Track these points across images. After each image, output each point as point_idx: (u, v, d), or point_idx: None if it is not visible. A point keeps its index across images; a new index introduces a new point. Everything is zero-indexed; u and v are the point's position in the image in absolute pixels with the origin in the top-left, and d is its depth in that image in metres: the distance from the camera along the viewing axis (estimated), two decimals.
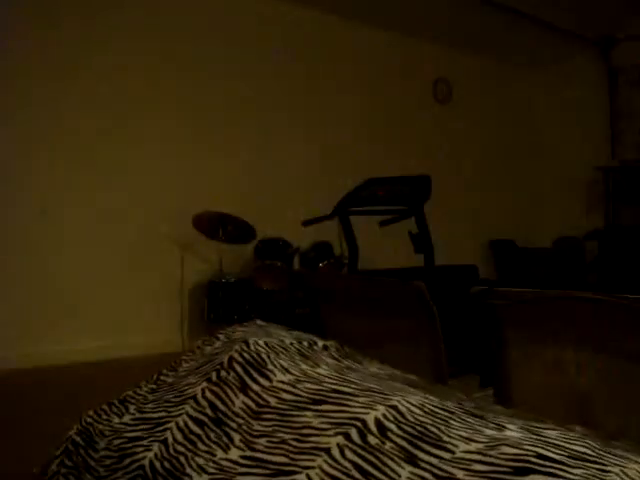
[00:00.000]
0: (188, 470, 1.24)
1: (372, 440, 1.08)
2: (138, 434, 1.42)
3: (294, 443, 1.16)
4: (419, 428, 1.08)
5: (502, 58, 6.04)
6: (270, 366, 1.36)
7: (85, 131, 4.02)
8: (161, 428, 1.37)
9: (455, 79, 6.01)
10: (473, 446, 1.01)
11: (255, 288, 4.28)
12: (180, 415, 1.36)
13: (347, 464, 1.06)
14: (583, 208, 6.11)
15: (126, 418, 1.51)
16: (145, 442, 1.39)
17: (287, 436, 1.17)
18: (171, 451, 1.31)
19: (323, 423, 1.16)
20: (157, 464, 1.31)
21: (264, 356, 1.38)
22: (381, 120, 5.41)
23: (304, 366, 1.36)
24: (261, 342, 1.43)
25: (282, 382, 1.32)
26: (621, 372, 1.50)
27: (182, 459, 1.28)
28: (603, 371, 1.53)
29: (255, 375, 1.35)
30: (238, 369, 1.38)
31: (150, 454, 1.34)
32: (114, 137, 4.09)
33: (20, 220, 3.83)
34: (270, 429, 1.22)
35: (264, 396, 1.30)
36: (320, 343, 1.57)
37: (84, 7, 4.00)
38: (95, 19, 4.04)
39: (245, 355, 1.40)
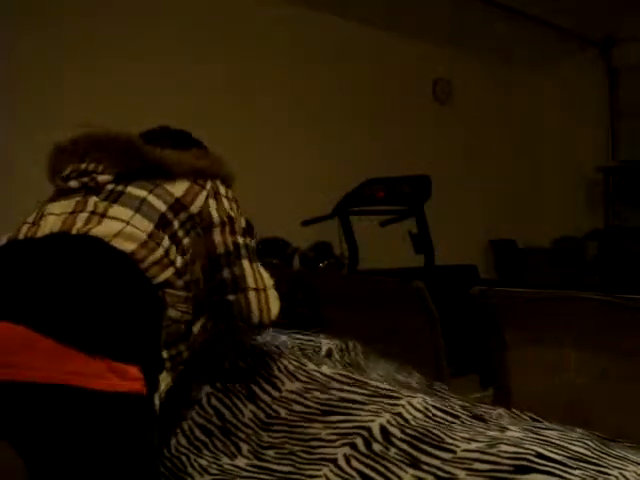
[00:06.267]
0: (190, 470, 1.24)
1: (377, 447, 1.09)
2: None
3: (302, 455, 1.16)
4: (422, 430, 1.09)
5: (502, 58, 6.03)
6: (276, 372, 1.34)
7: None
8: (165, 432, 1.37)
9: (455, 79, 6.00)
10: (474, 445, 1.01)
11: None
12: (185, 420, 1.35)
13: (352, 472, 1.07)
14: (583, 208, 6.10)
15: None
16: None
17: (296, 448, 1.17)
18: (173, 451, 1.31)
19: (331, 435, 1.16)
20: None
21: (268, 359, 1.37)
22: (381, 120, 5.41)
23: (310, 366, 1.34)
24: (262, 342, 1.43)
25: (291, 392, 1.30)
26: (621, 372, 1.50)
27: (184, 459, 1.28)
28: (603, 371, 1.53)
29: (263, 384, 1.33)
30: (243, 377, 1.36)
31: None
32: None
33: (20, 218, 3.82)
34: (279, 441, 1.21)
35: (274, 407, 1.28)
36: (324, 348, 1.56)
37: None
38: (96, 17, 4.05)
39: (249, 361, 1.38)
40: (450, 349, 2.01)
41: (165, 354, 1.20)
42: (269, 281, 1.35)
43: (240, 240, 1.33)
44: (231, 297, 1.29)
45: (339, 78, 5.18)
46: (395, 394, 1.21)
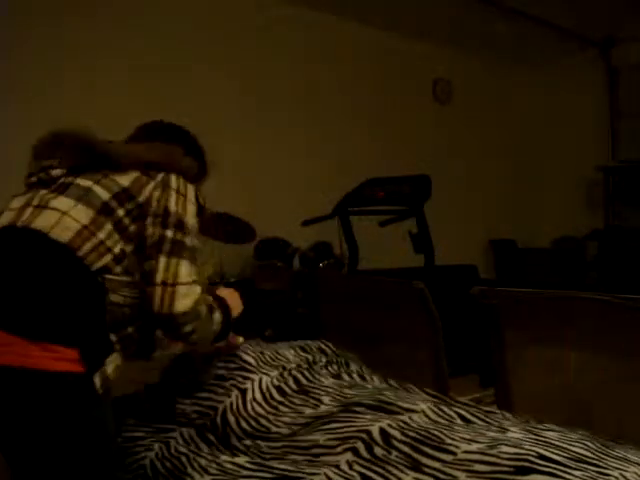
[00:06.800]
0: (189, 470, 1.24)
1: (378, 451, 1.09)
2: (140, 434, 1.41)
3: (306, 464, 1.15)
4: (422, 432, 1.08)
5: (502, 58, 6.03)
6: (274, 428, 1.33)
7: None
8: (164, 435, 1.37)
9: (455, 79, 5.99)
10: (474, 446, 1.01)
11: (255, 288, 4.27)
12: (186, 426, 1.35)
13: (353, 473, 1.07)
14: (583, 208, 6.09)
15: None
16: (146, 442, 1.39)
17: (299, 457, 1.17)
18: (172, 451, 1.31)
19: (331, 440, 1.16)
20: (158, 464, 1.31)
21: (264, 422, 1.34)
22: (381, 120, 5.41)
23: (309, 411, 1.33)
24: (259, 396, 1.40)
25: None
26: (621, 372, 1.50)
27: (184, 459, 1.28)
28: (603, 371, 1.53)
29: (259, 441, 1.32)
30: (243, 436, 1.35)
31: (151, 454, 1.34)
32: (112, 136, 4.05)
33: None
34: (280, 451, 1.22)
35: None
36: (324, 359, 1.57)
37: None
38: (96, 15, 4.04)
39: (242, 423, 1.36)
40: (450, 349, 2.01)
41: (113, 337, 1.27)
42: (186, 278, 1.34)
43: (168, 234, 1.34)
44: (146, 288, 1.33)
45: (339, 78, 5.17)
46: (397, 409, 1.20)
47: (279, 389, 1.40)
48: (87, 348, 1.19)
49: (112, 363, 1.27)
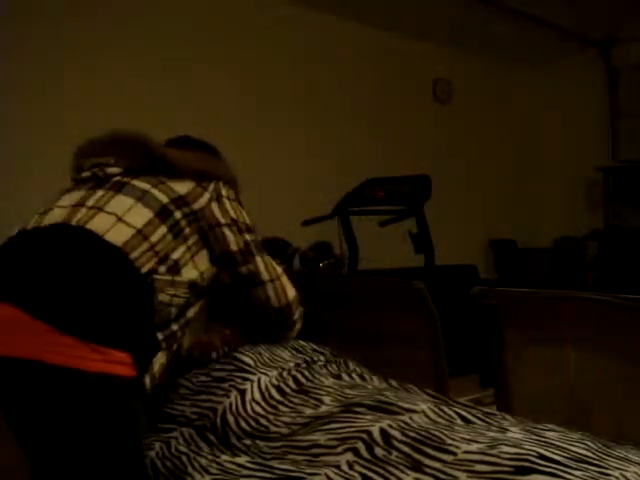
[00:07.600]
0: (190, 470, 1.24)
1: (379, 452, 1.09)
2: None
3: (306, 464, 1.15)
4: (423, 433, 1.08)
5: (502, 58, 6.03)
6: (273, 428, 1.33)
7: (79, 129, 4.00)
8: (165, 435, 1.37)
9: (455, 79, 5.99)
10: (474, 446, 1.01)
11: None
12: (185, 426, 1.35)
13: (354, 473, 1.07)
14: (583, 208, 6.09)
15: None
16: (147, 441, 1.39)
17: (299, 457, 1.17)
18: (173, 451, 1.31)
19: (331, 440, 1.16)
20: (158, 463, 1.31)
21: (263, 421, 1.34)
22: (381, 120, 5.41)
23: (309, 411, 1.33)
24: (258, 396, 1.40)
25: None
26: (621, 372, 1.50)
27: (184, 458, 1.28)
28: (603, 371, 1.53)
29: (258, 440, 1.32)
30: (238, 431, 1.35)
31: (152, 453, 1.34)
32: None
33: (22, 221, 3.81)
34: (280, 451, 1.21)
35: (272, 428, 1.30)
36: (322, 358, 1.57)
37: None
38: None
39: (241, 423, 1.36)
40: (450, 349, 2.00)
41: (160, 336, 1.28)
42: (279, 269, 1.52)
43: (248, 237, 1.48)
44: (252, 291, 1.49)
45: (339, 78, 5.17)
46: (398, 409, 1.20)
47: (278, 389, 1.40)
48: (139, 350, 1.18)
49: (158, 362, 1.27)
